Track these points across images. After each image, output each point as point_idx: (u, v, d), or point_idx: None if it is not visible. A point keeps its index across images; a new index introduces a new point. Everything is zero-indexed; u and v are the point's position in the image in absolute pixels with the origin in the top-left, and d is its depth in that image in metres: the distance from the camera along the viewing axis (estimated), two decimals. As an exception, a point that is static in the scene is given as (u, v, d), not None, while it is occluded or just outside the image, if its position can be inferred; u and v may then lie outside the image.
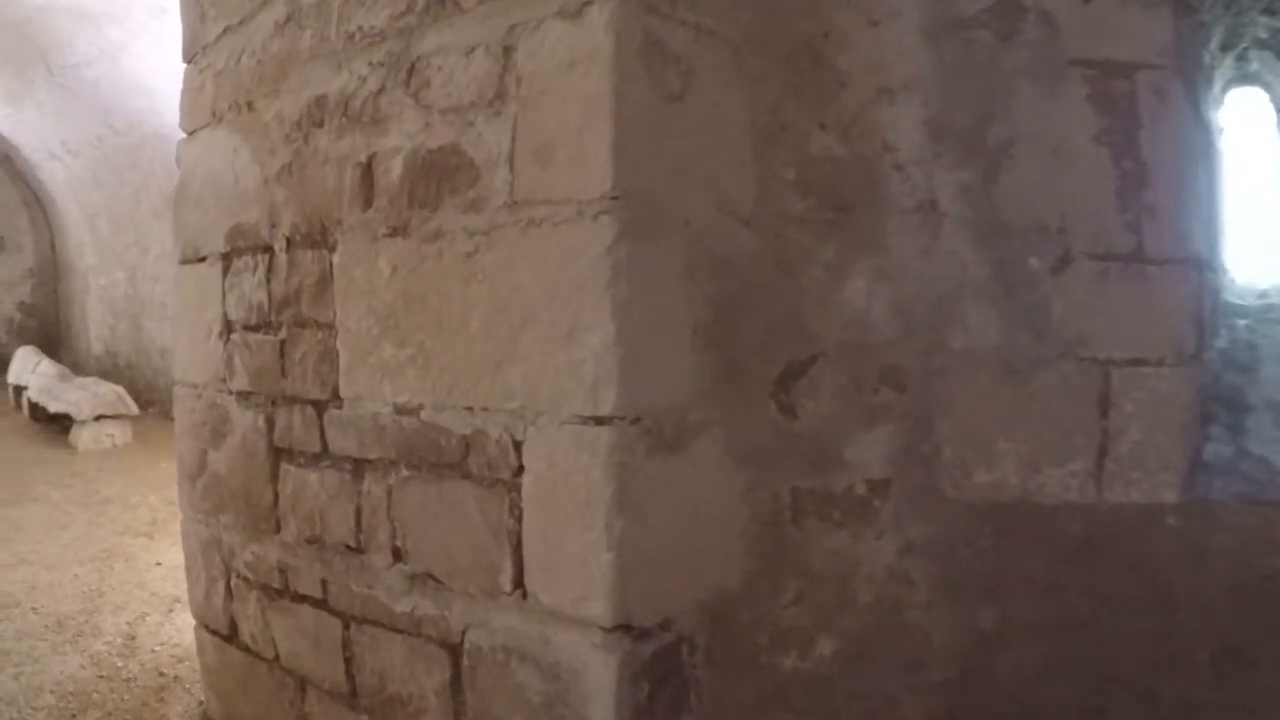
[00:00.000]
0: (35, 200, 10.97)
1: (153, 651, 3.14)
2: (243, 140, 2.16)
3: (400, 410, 1.75)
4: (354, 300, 1.84)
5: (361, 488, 1.85)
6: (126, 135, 8.01)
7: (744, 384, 1.71)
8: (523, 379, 1.53)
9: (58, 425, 7.12)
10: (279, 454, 2.06)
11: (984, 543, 1.85)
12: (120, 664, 3.03)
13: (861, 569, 1.81)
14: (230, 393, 2.20)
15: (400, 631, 1.80)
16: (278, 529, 2.09)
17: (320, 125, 1.92)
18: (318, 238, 1.93)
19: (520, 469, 1.55)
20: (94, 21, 6.49)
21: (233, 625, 2.33)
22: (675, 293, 1.55)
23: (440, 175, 1.66)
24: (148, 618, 3.47)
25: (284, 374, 2.02)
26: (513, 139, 1.54)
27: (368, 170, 1.80)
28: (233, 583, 2.31)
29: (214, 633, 2.43)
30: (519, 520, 1.56)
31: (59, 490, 5.53)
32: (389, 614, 1.82)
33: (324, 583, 1.98)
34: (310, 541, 2.00)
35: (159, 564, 4.12)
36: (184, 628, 3.15)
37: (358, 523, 1.87)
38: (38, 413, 7.53)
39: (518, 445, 1.55)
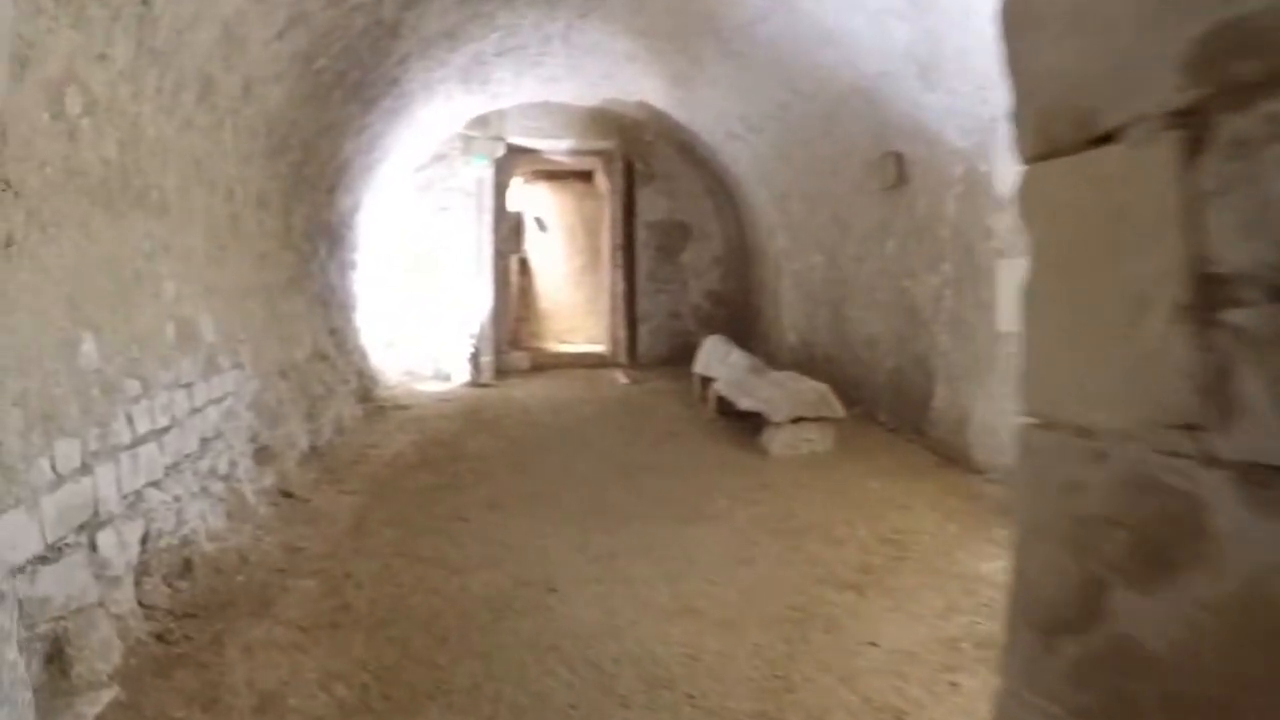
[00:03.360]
0: (719, 185, 11.51)
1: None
2: None
3: None
4: None
5: None
6: (815, 99, 7.53)
7: None
8: None
9: (746, 424, 6.88)
10: None
11: None
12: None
13: None
14: (1212, 462, 0.92)
15: None
16: None
17: None
18: None
19: None
20: (758, -35, 5.96)
21: None
22: None
23: None
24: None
25: None
26: None
27: None
28: None
29: None
30: None
31: (745, 508, 4.99)
32: None
33: None
34: None
35: (874, 645, 3.13)
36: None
37: None
38: (724, 407, 7.52)
39: None
